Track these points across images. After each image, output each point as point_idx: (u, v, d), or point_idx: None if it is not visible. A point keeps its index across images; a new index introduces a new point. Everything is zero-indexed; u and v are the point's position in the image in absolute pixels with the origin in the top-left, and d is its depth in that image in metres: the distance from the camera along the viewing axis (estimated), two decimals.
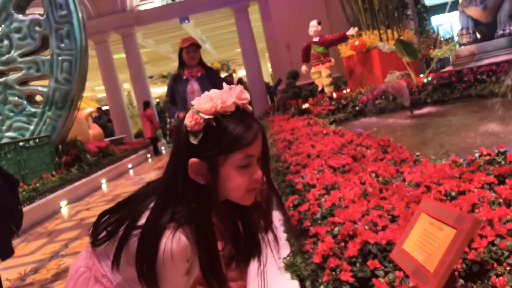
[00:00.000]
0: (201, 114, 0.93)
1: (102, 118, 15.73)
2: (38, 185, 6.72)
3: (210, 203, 0.97)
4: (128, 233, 0.98)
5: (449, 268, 0.80)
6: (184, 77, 4.05)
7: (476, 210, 1.86)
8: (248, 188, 0.97)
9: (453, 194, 2.09)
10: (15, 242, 4.79)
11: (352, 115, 7.72)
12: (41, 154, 7.75)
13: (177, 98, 4.15)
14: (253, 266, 2.18)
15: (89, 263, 1.07)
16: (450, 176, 2.28)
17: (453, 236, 0.82)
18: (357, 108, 7.79)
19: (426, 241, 0.91)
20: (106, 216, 1.10)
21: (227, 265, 1.06)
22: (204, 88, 3.96)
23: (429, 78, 7.50)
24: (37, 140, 7.90)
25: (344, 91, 9.02)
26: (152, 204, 1.00)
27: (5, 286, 3.28)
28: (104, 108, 17.05)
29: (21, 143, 7.42)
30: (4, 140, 8.10)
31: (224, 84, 1.00)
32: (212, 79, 4.12)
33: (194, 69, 4.05)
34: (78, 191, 7.30)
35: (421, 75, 8.11)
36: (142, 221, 0.98)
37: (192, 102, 0.97)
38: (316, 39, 8.69)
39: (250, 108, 1.02)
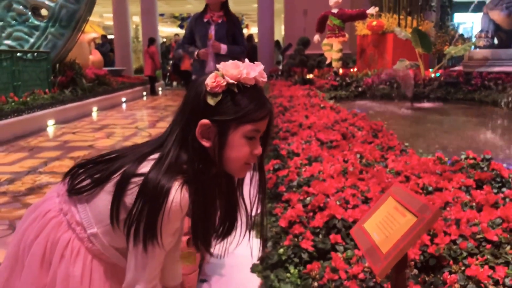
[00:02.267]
0: (225, 77, 0.95)
1: (105, 46, 15.42)
2: (28, 99, 6.65)
3: (212, 165, 0.98)
4: (126, 180, 0.96)
5: (401, 253, 0.81)
6: (205, 20, 3.80)
7: (448, 208, 1.89)
8: (247, 160, 0.99)
9: (430, 189, 2.11)
10: None
11: (353, 94, 7.67)
12: (37, 69, 7.62)
13: (197, 40, 3.89)
14: None
15: (64, 207, 1.04)
16: (431, 172, 2.30)
17: (412, 223, 0.83)
18: (360, 89, 7.74)
19: (386, 223, 0.92)
20: (88, 166, 1.07)
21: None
22: (219, 38, 3.73)
23: (437, 74, 7.44)
24: (35, 54, 7.75)
25: (351, 70, 8.92)
26: (153, 156, 0.99)
27: None
28: (109, 37, 16.71)
29: (18, 54, 7.27)
30: (2, 47, 7.94)
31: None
32: (231, 29, 3.79)
33: (216, 13, 3.79)
34: (67, 113, 7.25)
35: (430, 69, 8.02)
36: (144, 169, 0.96)
37: (218, 66, 0.99)
38: (335, 11, 8.49)
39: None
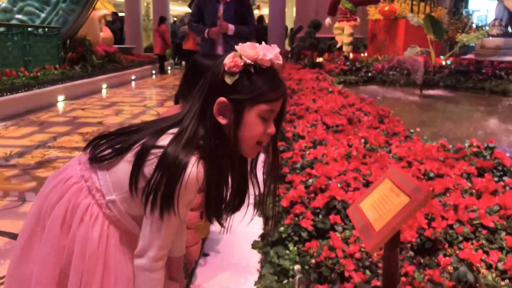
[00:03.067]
0: (243, 57, 0.99)
1: (115, 23, 15.38)
2: (39, 74, 6.70)
3: (227, 143, 1.02)
4: (146, 151, 1.01)
5: (393, 231, 0.85)
6: None
7: (448, 194, 1.92)
8: (260, 139, 1.03)
9: (431, 175, 2.14)
10: (6, 123, 4.88)
11: (363, 80, 7.64)
12: (48, 44, 7.66)
13: (206, 19, 3.85)
14: None
15: (85, 174, 1.09)
16: (434, 158, 2.32)
17: (405, 204, 0.87)
18: (370, 74, 7.69)
19: (381, 203, 0.96)
20: (110, 137, 1.12)
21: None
22: (227, 17, 3.70)
23: (448, 62, 7.37)
24: (46, 29, 7.77)
25: (362, 54, 8.85)
26: (171, 131, 1.04)
27: None
28: (120, 14, 16.66)
29: (30, 29, 7.30)
30: (13, 22, 7.97)
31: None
32: (239, 9, 3.73)
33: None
34: (77, 89, 7.30)
35: (441, 57, 7.94)
36: (163, 142, 1.01)
37: (236, 47, 1.02)
38: None
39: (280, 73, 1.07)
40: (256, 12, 20.52)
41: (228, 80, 0.99)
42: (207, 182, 1.00)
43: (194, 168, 0.97)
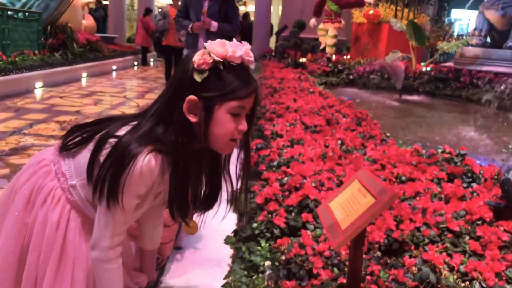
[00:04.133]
0: (212, 55, 0.98)
1: (98, 11, 15.13)
2: (17, 59, 6.56)
3: (195, 141, 1.03)
4: (104, 140, 1.02)
5: (357, 229, 0.88)
6: None
7: (417, 198, 1.98)
8: (232, 136, 1.03)
9: (403, 178, 2.20)
10: None
11: (344, 82, 7.72)
12: (28, 29, 7.50)
13: (191, 15, 3.86)
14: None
15: (54, 159, 1.12)
16: (407, 162, 2.38)
17: (370, 204, 0.90)
18: (351, 76, 7.78)
19: (349, 203, 0.99)
20: (84, 127, 1.14)
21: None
22: (211, 14, 3.72)
23: (428, 68, 7.51)
24: (26, 14, 7.60)
25: (345, 57, 8.94)
26: (134, 122, 1.05)
27: None
28: (104, 3, 16.41)
29: (9, 12, 7.14)
30: None
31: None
32: (223, 6, 3.76)
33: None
34: (56, 77, 7.18)
35: (422, 63, 8.10)
36: (121, 132, 1.02)
37: (205, 44, 1.02)
38: None
39: (252, 67, 1.07)
40: (242, 9, 20.49)
41: (197, 77, 0.99)
42: (171, 179, 1.01)
43: (143, 161, 0.96)
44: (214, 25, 3.73)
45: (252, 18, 13.95)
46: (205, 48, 1.02)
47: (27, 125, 4.19)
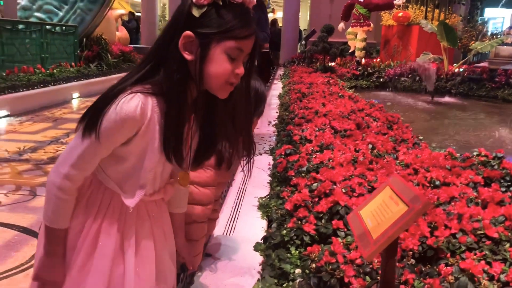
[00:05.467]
0: None
1: (131, 23, 15.53)
2: (55, 71, 6.81)
3: (190, 79, 0.98)
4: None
5: (390, 239, 0.86)
6: None
7: (452, 203, 1.92)
8: (228, 79, 0.98)
9: (437, 183, 2.13)
10: (21, 119, 4.96)
11: (374, 85, 7.62)
12: (65, 42, 7.78)
13: None
14: (230, 198, 2.29)
15: None
16: (441, 166, 2.32)
17: (403, 212, 0.88)
18: (381, 79, 7.67)
19: (380, 211, 0.97)
20: None
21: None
22: None
23: (461, 69, 7.31)
24: (63, 27, 7.89)
25: (374, 60, 8.82)
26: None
27: (2, 156, 3.46)
28: (137, 14, 16.81)
29: (48, 26, 7.42)
30: (32, 19, 8.11)
31: None
32: (257, 14, 3.82)
33: None
34: (92, 87, 7.39)
35: (454, 64, 7.88)
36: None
37: None
38: None
39: (252, 11, 1.04)
40: (270, 16, 20.54)
41: (196, 12, 0.93)
42: (165, 119, 0.96)
43: (124, 100, 0.92)
44: None
45: (280, 24, 13.98)
46: None
47: (64, 134, 4.33)
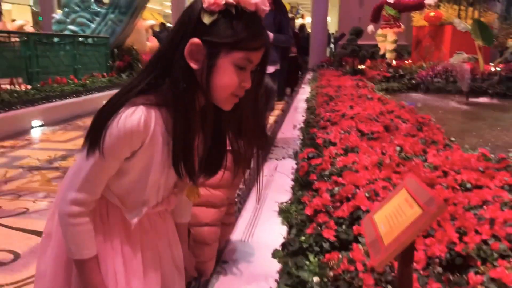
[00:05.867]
0: None
1: (162, 33, 15.82)
2: (87, 81, 7.01)
3: (197, 89, 0.92)
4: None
5: (401, 246, 0.79)
6: None
7: (485, 207, 1.80)
8: (234, 91, 0.93)
9: (468, 186, 2.01)
10: (54, 128, 5.10)
11: (406, 87, 7.41)
12: (96, 53, 8.00)
13: None
14: (251, 203, 2.24)
15: None
16: (473, 168, 2.19)
17: (416, 216, 0.80)
18: (413, 81, 7.45)
19: (395, 215, 0.90)
20: None
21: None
22: (265, 25, 3.78)
23: (498, 68, 7.00)
24: (95, 39, 8.13)
25: (406, 61, 8.60)
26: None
27: (34, 164, 3.55)
28: (168, 25, 17.13)
29: (80, 39, 7.66)
30: (66, 32, 8.39)
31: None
32: (277, 17, 3.78)
33: (266, 1, 3.84)
34: None
35: (490, 63, 7.57)
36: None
37: None
38: (391, 0, 8.21)
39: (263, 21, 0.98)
40: (300, 21, 20.49)
41: (206, 19, 0.88)
42: (173, 131, 0.91)
43: (125, 114, 0.87)
44: (270, 36, 3.74)
45: (309, 29, 13.90)
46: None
47: None
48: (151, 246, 1.04)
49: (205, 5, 0.88)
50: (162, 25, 16.36)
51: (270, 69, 3.77)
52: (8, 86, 5.52)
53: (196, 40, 0.88)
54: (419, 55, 8.89)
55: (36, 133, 4.93)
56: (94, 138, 0.90)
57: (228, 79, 0.91)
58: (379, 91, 6.10)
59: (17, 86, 5.67)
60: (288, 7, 24.34)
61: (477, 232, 1.54)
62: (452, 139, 2.98)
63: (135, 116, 0.88)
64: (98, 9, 8.67)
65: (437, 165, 2.24)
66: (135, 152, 0.93)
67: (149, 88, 0.92)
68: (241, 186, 2.09)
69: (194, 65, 0.90)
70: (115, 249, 1.00)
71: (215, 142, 1.02)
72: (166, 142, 0.93)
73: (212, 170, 1.06)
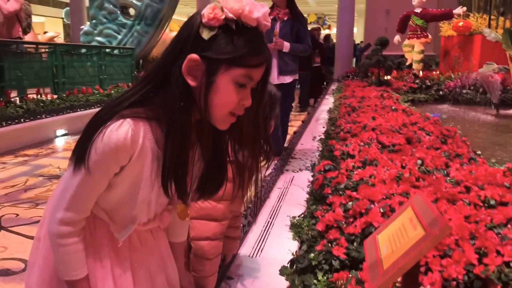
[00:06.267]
0: (225, 10, 0.83)
1: None
2: (113, 91, 7.12)
3: (194, 108, 0.88)
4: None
5: (400, 271, 0.72)
6: (271, 17, 3.81)
7: (509, 226, 1.69)
8: (233, 110, 0.89)
9: (492, 202, 1.90)
10: (77, 137, 5.18)
11: (433, 98, 7.21)
12: (122, 64, 8.15)
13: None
14: (262, 217, 2.18)
15: None
16: (498, 184, 2.07)
17: (418, 238, 0.73)
18: (440, 92, 7.25)
19: (398, 236, 0.83)
20: None
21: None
22: (283, 34, 3.75)
23: None
24: (121, 50, 8.29)
25: (434, 72, 8.40)
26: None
27: (54, 173, 3.60)
28: None
29: (106, 50, 7.82)
30: (94, 43, 8.60)
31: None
32: (295, 26, 3.75)
33: (282, 10, 3.81)
34: None
35: None
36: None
37: None
38: (418, 10, 8.06)
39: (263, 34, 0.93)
40: (326, 32, 20.42)
41: (205, 34, 0.84)
42: (165, 146, 0.87)
43: (119, 128, 0.83)
44: (286, 45, 3.70)
45: (334, 40, 13.81)
46: (218, 2, 0.86)
47: None
48: (141, 264, 1.00)
49: (204, 20, 0.84)
50: None
51: (288, 79, 3.71)
52: (34, 96, 5.66)
53: (194, 56, 0.85)
54: (447, 65, 8.67)
55: (60, 142, 5.02)
56: (80, 154, 0.87)
57: (226, 98, 0.87)
58: (404, 102, 5.94)
59: (43, 96, 5.80)
60: (314, 17, 24.41)
61: (498, 253, 1.44)
62: (478, 152, 2.84)
63: (121, 130, 0.84)
64: (124, 20, 8.87)
65: (459, 180, 2.13)
66: (124, 167, 0.89)
67: (143, 100, 0.88)
68: (252, 198, 2.04)
69: (192, 82, 0.86)
70: (105, 267, 0.96)
71: (214, 154, 0.98)
72: (156, 157, 0.89)
73: (212, 189, 1.02)
